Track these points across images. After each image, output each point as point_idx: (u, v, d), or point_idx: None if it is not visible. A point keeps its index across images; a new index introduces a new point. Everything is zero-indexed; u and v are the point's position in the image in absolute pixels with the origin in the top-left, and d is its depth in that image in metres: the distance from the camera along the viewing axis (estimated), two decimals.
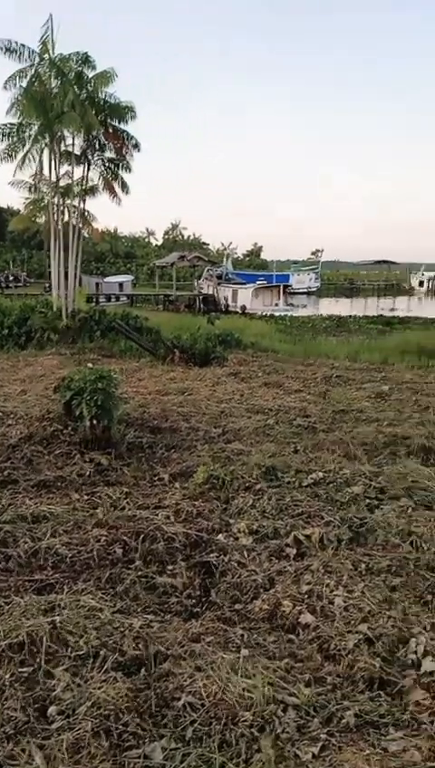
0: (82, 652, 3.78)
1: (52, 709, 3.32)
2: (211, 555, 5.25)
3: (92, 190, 25.72)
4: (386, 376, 15.35)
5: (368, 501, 6.49)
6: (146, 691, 3.49)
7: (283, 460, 7.64)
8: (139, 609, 4.44)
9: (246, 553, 5.28)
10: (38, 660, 3.69)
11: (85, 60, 22.26)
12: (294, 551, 5.34)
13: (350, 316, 40.09)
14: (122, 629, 4.03)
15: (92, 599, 4.41)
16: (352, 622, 4.23)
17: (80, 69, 22.28)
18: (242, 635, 4.12)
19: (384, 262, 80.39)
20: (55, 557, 5.12)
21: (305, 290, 72.83)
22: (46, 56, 21.58)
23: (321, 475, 7.15)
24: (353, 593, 4.55)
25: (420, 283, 78.11)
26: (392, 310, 49.65)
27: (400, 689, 3.63)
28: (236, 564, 5.10)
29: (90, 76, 22.43)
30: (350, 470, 7.34)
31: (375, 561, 5.14)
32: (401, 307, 54.11)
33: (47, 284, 37.87)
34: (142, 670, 3.70)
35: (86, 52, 22.21)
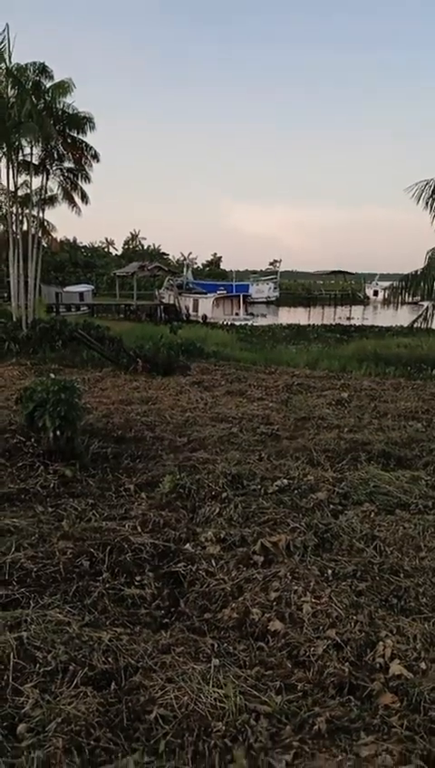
0: (50, 668, 3.72)
1: (21, 727, 3.25)
2: (179, 565, 5.23)
3: (51, 200, 25.56)
4: (345, 383, 15.57)
5: (332, 507, 6.58)
6: (117, 705, 3.46)
7: (248, 468, 7.67)
8: (107, 622, 4.39)
9: (213, 562, 5.28)
10: (5, 677, 3.61)
11: (42, 70, 22.16)
12: (262, 558, 5.37)
13: (308, 325, 40.63)
14: (91, 643, 3.98)
15: (60, 613, 4.34)
16: (321, 628, 4.27)
17: (37, 79, 22.17)
18: (212, 644, 4.11)
19: (340, 272, 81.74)
20: (20, 571, 5.02)
21: (265, 299, 73.48)
22: (3, 65, 21.38)
23: (286, 482, 7.21)
24: (321, 599, 4.59)
25: (375, 293, 79.47)
26: (349, 319, 50.53)
27: (369, 693, 3.67)
28: (204, 573, 5.09)
29: (47, 86, 22.31)
30: (314, 476, 7.43)
31: (341, 567, 5.20)
32: (358, 316, 55.10)
33: (6, 294, 37.27)
34: (112, 684, 3.66)
35: (43, 63, 22.15)
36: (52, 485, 7.15)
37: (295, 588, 4.74)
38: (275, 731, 3.31)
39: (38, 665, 3.74)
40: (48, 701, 3.43)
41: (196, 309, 47.53)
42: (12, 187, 23.26)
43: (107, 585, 4.87)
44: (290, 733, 3.29)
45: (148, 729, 3.29)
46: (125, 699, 3.51)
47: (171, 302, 49.88)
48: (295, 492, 6.97)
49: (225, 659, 3.93)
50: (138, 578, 5.05)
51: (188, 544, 5.65)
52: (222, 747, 3.17)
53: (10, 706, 3.41)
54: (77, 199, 25.17)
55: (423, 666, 3.86)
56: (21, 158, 23.16)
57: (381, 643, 4.08)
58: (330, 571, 5.10)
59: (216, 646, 4.10)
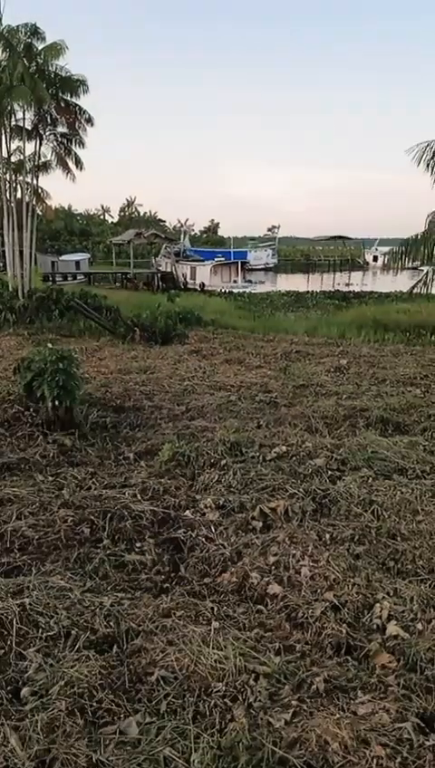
0: (53, 632, 3.78)
1: (25, 690, 3.32)
2: (179, 531, 5.29)
3: (45, 166, 25.07)
4: (344, 350, 15.56)
5: (330, 473, 6.62)
6: (119, 668, 3.52)
7: (246, 435, 7.70)
8: (108, 588, 4.46)
9: (213, 528, 5.33)
10: (9, 642, 3.68)
11: (34, 32, 21.55)
12: (261, 524, 5.42)
13: (307, 292, 40.34)
14: (93, 608, 4.04)
15: (61, 579, 4.40)
16: (319, 591, 4.34)
17: (29, 41, 21.56)
18: (212, 608, 4.18)
19: (339, 237, 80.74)
20: (22, 539, 5.08)
21: (263, 266, 72.84)
22: None
23: (284, 448, 7.25)
24: (319, 563, 4.65)
25: (375, 258, 78.73)
26: (348, 285, 50.10)
27: (366, 653, 3.75)
28: (203, 539, 5.15)
29: (39, 48, 21.72)
30: (312, 443, 7.46)
31: (339, 531, 5.26)
32: (357, 282, 54.67)
33: (1, 264, 36.94)
34: (114, 647, 3.72)
35: (35, 24, 21.53)
36: (51, 455, 7.19)
37: (294, 552, 4.80)
38: (274, 691, 3.38)
39: (41, 630, 3.80)
40: (51, 665, 3.50)
41: (193, 277, 47.17)
42: (5, 154, 22.85)
43: (108, 552, 4.93)
44: (289, 692, 3.36)
45: (149, 690, 3.36)
46: (127, 662, 3.57)
47: (168, 269, 49.45)
48: (294, 458, 7.01)
49: (224, 622, 4.00)
50: (138, 544, 5.11)
51: (187, 511, 5.70)
52: (222, 707, 3.24)
53: (14, 671, 3.48)
54: (71, 165, 24.70)
55: (420, 626, 3.93)
56: (13, 123, 22.68)
57: (378, 605, 4.15)
58: (328, 536, 5.16)
59: (215, 609, 4.17)
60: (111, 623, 3.91)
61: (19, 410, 8.29)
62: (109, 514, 5.42)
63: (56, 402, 7.86)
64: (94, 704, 3.23)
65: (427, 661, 3.61)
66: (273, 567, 4.66)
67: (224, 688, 3.34)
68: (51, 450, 7.29)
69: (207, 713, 3.20)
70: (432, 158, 18.68)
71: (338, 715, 3.14)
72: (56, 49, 21.67)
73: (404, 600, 4.25)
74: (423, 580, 4.55)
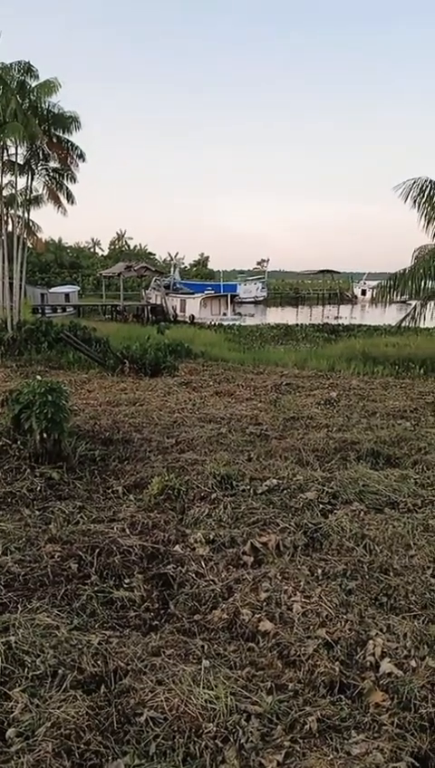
0: (39, 672, 3.69)
1: (10, 732, 3.22)
2: (168, 567, 5.21)
3: (37, 200, 25.39)
4: (334, 383, 15.63)
5: (321, 506, 6.58)
6: (107, 708, 3.43)
7: (237, 468, 7.66)
8: (96, 625, 4.37)
9: (203, 563, 5.26)
10: None
11: (28, 69, 22.00)
12: (252, 558, 5.36)
13: (296, 324, 40.67)
14: (80, 647, 3.96)
15: (48, 616, 4.31)
16: (311, 627, 4.27)
17: (22, 78, 21.99)
18: (202, 646, 4.10)
19: (328, 271, 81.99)
20: (8, 575, 4.98)
21: (253, 299, 73.58)
22: None
23: (275, 482, 7.21)
24: (311, 598, 4.59)
25: (363, 292, 79.81)
26: (337, 318, 50.65)
27: (360, 692, 3.68)
28: (193, 575, 5.07)
29: (33, 85, 22.16)
30: (303, 476, 7.43)
31: (331, 566, 5.21)
32: (346, 315, 55.30)
33: None
34: (102, 687, 3.63)
35: (28, 62, 21.98)
36: (39, 488, 7.10)
37: (285, 588, 4.74)
38: (266, 731, 3.30)
39: (27, 669, 3.71)
40: (37, 705, 3.41)
41: (183, 309, 47.52)
42: None
43: (96, 588, 4.84)
44: (281, 732, 3.28)
45: (138, 732, 3.27)
46: (115, 702, 3.48)
47: (158, 302, 49.83)
48: (285, 492, 6.97)
49: (215, 660, 3.92)
50: (127, 580, 5.02)
51: (177, 546, 5.63)
52: (213, 748, 3.15)
53: None
54: (63, 199, 25.03)
55: (413, 663, 3.87)
56: (6, 157, 23.01)
57: (371, 641, 4.09)
58: (320, 571, 5.11)
59: (206, 647, 4.09)
60: (99, 662, 3.82)
61: (6, 443, 8.21)
62: (97, 549, 5.34)
63: (44, 435, 7.80)
64: (82, 745, 3.14)
65: (421, 699, 3.54)
66: (264, 603, 4.59)
67: (215, 729, 3.26)
68: (38, 483, 7.21)
69: (198, 754, 3.12)
70: (419, 194, 19.15)
71: (331, 756, 3.07)
72: (49, 86, 22.11)
73: (397, 636, 4.19)
74: (416, 615, 4.50)
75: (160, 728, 3.28)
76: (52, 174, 24.64)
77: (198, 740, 3.20)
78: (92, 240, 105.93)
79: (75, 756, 3.08)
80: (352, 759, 3.06)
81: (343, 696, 3.64)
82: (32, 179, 24.11)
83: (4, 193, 24.12)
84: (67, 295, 52.20)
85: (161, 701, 3.44)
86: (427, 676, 3.73)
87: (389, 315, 39.22)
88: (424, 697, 3.55)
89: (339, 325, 39.89)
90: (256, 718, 3.37)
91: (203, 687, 3.53)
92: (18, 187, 24.39)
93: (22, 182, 24.20)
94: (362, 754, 3.10)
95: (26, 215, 25.13)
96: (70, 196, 25.08)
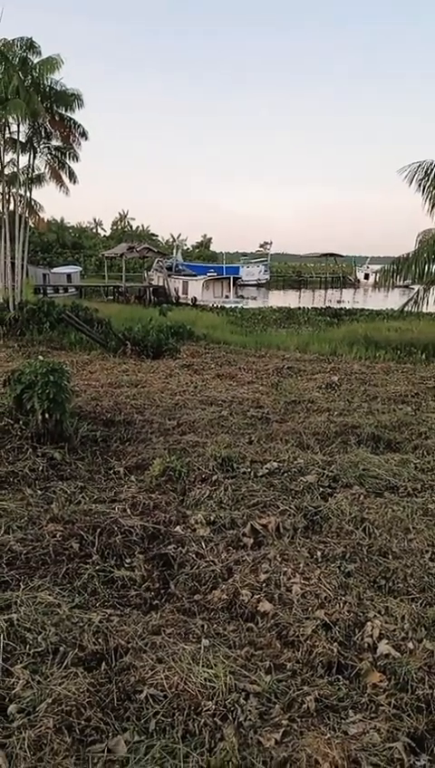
0: (40, 649, 3.74)
1: (12, 708, 3.26)
2: (169, 547, 5.25)
3: (39, 179, 25.21)
4: (336, 366, 15.60)
5: (322, 489, 6.61)
6: (107, 685, 3.48)
7: (238, 451, 7.68)
8: (97, 604, 4.41)
9: (203, 544, 5.29)
10: None
11: (30, 46, 21.72)
12: (252, 540, 5.39)
13: (299, 308, 40.52)
14: (81, 624, 4.00)
15: (50, 595, 4.35)
16: (310, 609, 4.31)
17: (24, 55, 21.72)
18: (202, 625, 4.14)
19: (331, 255, 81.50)
20: (10, 554, 5.02)
21: (255, 282, 73.26)
22: None
23: (275, 464, 7.23)
24: (310, 580, 4.63)
25: (366, 276, 79.47)
26: (340, 302, 50.46)
27: (357, 672, 3.72)
28: (194, 555, 5.11)
29: (35, 62, 21.89)
30: (303, 459, 7.45)
31: (330, 549, 5.24)
32: (348, 299, 55.03)
33: None
34: (103, 664, 3.68)
35: (30, 38, 21.69)
36: (40, 468, 7.13)
37: (285, 569, 4.78)
38: (264, 710, 3.35)
39: (28, 646, 3.75)
40: (39, 682, 3.45)
41: (185, 291, 47.28)
42: None
43: (97, 567, 4.88)
44: (279, 711, 3.32)
45: (138, 709, 3.32)
46: (115, 679, 3.53)
47: (161, 284, 49.55)
48: (285, 475, 6.99)
49: (215, 640, 3.96)
50: (128, 560, 5.06)
51: (178, 527, 5.66)
52: (212, 726, 3.20)
53: (0, 687, 3.43)
54: (65, 178, 24.85)
55: (411, 645, 3.91)
56: (7, 135, 22.80)
57: (369, 623, 4.13)
58: (319, 553, 5.14)
59: (205, 626, 4.13)
60: (100, 640, 3.87)
61: (8, 423, 8.22)
62: (98, 529, 5.37)
63: (46, 415, 7.81)
64: (82, 721, 3.18)
65: (418, 680, 3.59)
66: (264, 584, 4.63)
67: (214, 707, 3.31)
68: (40, 464, 7.23)
69: (197, 732, 3.17)
70: (424, 178, 18.97)
71: (329, 735, 3.11)
72: (52, 63, 21.83)
73: (395, 618, 4.23)
74: (414, 598, 4.54)
75: (160, 705, 3.32)
76: (54, 152, 24.44)
77: (197, 717, 3.25)
78: (95, 220, 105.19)
79: (76, 732, 3.12)
80: (349, 738, 3.11)
81: (340, 677, 3.69)
82: (34, 158, 23.93)
83: (6, 171, 23.94)
84: (69, 276, 51.95)
85: (161, 679, 3.49)
86: (424, 657, 3.77)
87: (391, 300, 39.09)
88: (421, 679, 3.59)
89: (341, 309, 39.75)
90: (254, 697, 3.42)
91: (202, 666, 3.57)
92: (20, 166, 24.24)
93: (24, 160, 24.09)
94: (359, 734, 3.15)
95: (28, 194, 25.00)
96: (72, 175, 24.90)
